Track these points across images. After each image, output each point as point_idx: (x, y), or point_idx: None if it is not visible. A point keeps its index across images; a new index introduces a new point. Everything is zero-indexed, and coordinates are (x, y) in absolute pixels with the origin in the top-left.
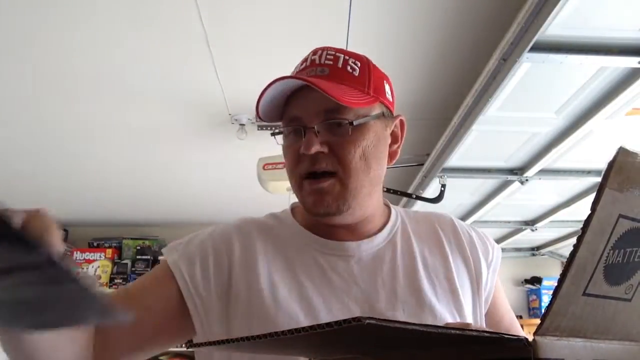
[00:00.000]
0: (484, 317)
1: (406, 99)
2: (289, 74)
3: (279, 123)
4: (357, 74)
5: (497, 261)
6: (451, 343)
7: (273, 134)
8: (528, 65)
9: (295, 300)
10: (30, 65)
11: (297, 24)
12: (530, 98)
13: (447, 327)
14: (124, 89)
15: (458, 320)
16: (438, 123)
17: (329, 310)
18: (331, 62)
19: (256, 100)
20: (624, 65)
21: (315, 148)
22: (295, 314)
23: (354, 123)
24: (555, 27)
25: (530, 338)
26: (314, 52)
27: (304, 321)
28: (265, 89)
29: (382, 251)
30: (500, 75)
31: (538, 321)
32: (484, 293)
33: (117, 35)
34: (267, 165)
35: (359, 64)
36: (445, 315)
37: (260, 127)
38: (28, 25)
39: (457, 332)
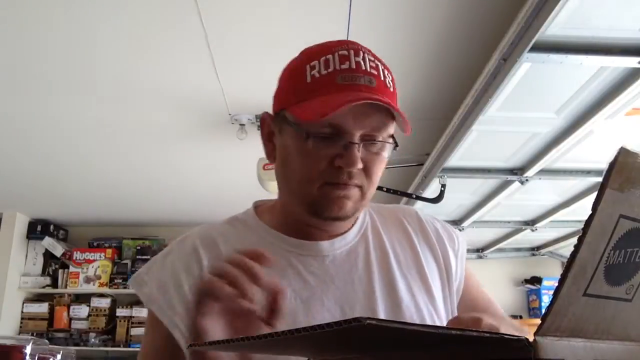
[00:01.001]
0: (455, 308)
1: (406, 98)
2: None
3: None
4: (392, 90)
5: (464, 249)
6: (451, 343)
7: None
8: (528, 65)
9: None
10: (32, 66)
11: (297, 24)
12: (530, 98)
13: (447, 327)
14: (124, 89)
15: (433, 314)
16: (438, 123)
17: (307, 312)
18: (375, 72)
19: (317, 108)
20: (624, 65)
21: (359, 166)
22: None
23: (395, 148)
24: (555, 27)
25: (531, 338)
26: (356, 53)
27: (280, 326)
28: (340, 104)
29: (355, 247)
30: (500, 75)
31: (538, 321)
32: (455, 283)
33: (117, 34)
34: (267, 166)
35: (391, 78)
36: (422, 310)
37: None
38: (25, 22)
39: (458, 332)
